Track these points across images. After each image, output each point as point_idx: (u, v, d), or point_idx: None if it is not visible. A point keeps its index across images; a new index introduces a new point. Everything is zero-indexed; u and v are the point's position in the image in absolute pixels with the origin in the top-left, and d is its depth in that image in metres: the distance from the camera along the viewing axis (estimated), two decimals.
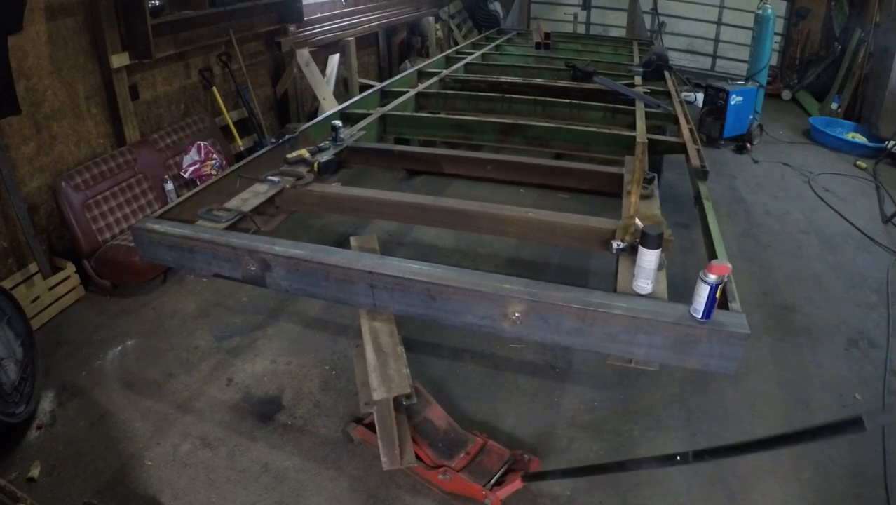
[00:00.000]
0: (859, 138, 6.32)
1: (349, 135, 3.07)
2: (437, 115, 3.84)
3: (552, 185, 3.75)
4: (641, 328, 1.58)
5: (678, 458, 1.48)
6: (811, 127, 6.66)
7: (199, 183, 3.63)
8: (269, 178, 2.50)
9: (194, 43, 4.31)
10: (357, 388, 2.26)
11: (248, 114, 4.97)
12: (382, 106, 3.78)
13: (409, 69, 5.06)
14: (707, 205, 2.36)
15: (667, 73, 4.89)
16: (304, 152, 2.70)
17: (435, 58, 5.60)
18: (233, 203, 2.33)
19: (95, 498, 2.22)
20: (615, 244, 1.96)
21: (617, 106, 3.79)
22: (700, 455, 1.46)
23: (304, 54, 5.26)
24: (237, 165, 2.62)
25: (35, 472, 2.30)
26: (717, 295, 1.52)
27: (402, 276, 1.76)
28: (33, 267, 3.27)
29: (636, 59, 5.48)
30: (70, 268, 3.39)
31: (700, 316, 1.54)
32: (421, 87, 4.19)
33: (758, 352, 3.05)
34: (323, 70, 5.64)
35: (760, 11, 6.61)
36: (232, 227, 2.16)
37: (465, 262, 3.81)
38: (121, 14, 3.66)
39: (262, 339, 3.12)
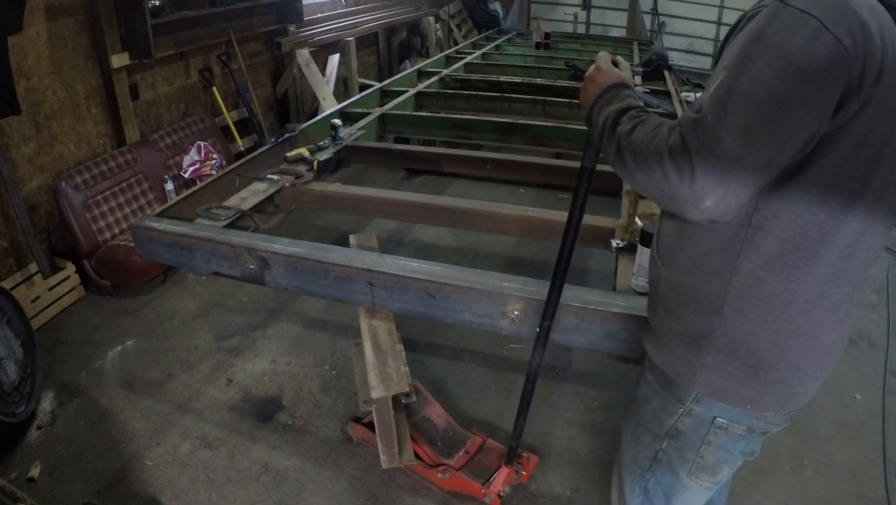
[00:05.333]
0: None
1: (349, 134, 3.07)
2: (437, 115, 3.84)
3: (552, 184, 3.75)
4: (641, 326, 1.57)
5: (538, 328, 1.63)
6: None
7: (198, 183, 3.64)
8: (269, 176, 2.51)
9: (194, 43, 4.31)
10: (356, 387, 2.26)
11: (248, 114, 4.97)
12: (382, 105, 3.78)
13: (409, 69, 5.07)
14: None
15: (667, 73, 4.89)
16: (304, 151, 2.71)
17: (435, 57, 5.60)
18: (232, 201, 2.34)
19: (95, 498, 2.22)
20: (614, 243, 1.95)
21: None
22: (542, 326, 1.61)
23: (304, 54, 5.26)
24: (237, 164, 2.62)
25: (35, 472, 2.30)
26: None
27: (401, 273, 1.77)
28: (33, 267, 3.27)
29: (636, 59, 5.48)
30: (70, 268, 3.39)
31: None
32: (421, 86, 4.20)
33: None
34: (323, 70, 5.64)
35: None
36: (231, 226, 2.17)
37: (464, 261, 3.81)
38: (121, 14, 3.65)
39: (262, 339, 3.12)
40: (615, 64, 1.25)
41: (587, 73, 1.24)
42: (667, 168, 0.91)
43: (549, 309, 1.55)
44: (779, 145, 0.88)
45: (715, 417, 1.15)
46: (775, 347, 1.06)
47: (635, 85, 4.40)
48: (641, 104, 1.10)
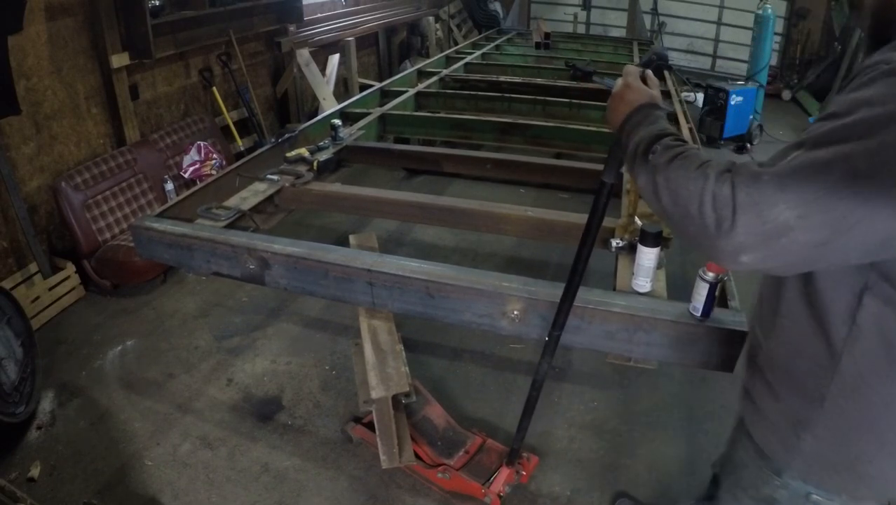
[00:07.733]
0: None
1: (348, 134, 3.07)
2: (437, 115, 3.84)
3: (552, 184, 3.75)
4: (640, 326, 1.58)
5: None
6: None
7: (199, 183, 3.64)
8: (269, 176, 2.51)
9: (194, 43, 4.31)
10: (356, 387, 2.26)
11: (248, 114, 4.97)
12: (382, 105, 3.78)
13: (409, 69, 5.07)
14: None
15: (667, 73, 4.88)
16: (304, 151, 2.71)
17: (435, 57, 5.60)
18: (232, 201, 2.34)
19: (95, 498, 2.22)
20: (614, 242, 1.95)
21: None
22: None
23: (304, 54, 5.26)
24: (237, 164, 2.62)
25: (35, 472, 2.30)
26: (717, 293, 1.52)
27: (401, 273, 1.77)
28: (33, 267, 3.27)
29: (636, 59, 5.48)
30: (70, 268, 3.39)
31: (699, 314, 1.53)
32: (421, 86, 4.20)
33: None
34: (323, 70, 5.65)
35: (760, 11, 6.61)
36: (231, 226, 2.17)
37: (464, 261, 3.81)
38: (121, 14, 3.66)
39: (262, 339, 3.12)
40: (643, 80, 1.21)
41: (615, 90, 1.19)
42: (706, 216, 0.86)
43: (560, 319, 1.54)
44: (837, 231, 0.81)
45: (810, 494, 1.12)
46: (875, 443, 1.04)
47: None
48: (676, 131, 1.06)
